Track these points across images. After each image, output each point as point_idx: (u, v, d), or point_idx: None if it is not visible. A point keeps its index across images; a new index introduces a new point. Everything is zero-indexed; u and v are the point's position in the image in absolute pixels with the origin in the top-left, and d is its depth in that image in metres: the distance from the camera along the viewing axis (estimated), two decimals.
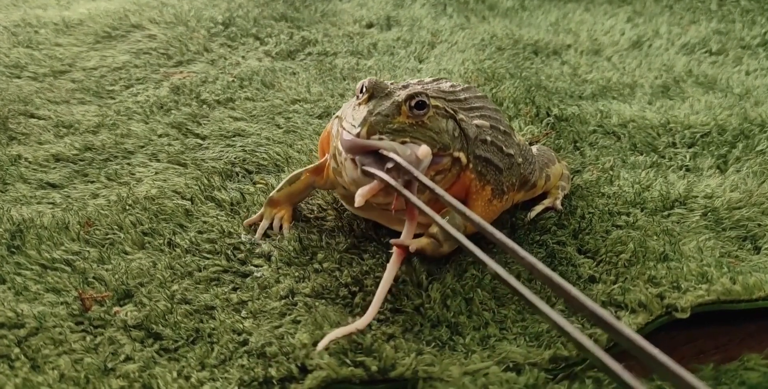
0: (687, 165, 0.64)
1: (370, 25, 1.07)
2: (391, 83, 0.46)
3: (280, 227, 0.53)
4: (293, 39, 0.98)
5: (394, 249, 0.42)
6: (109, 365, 0.40)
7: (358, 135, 0.41)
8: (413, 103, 0.42)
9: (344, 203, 0.54)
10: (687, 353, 0.42)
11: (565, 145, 0.67)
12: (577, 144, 0.68)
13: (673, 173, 0.62)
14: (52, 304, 0.45)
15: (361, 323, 0.41)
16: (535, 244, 0.51)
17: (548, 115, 0.73)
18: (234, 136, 0.69)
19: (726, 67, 0.90)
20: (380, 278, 0.46)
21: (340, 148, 0.43)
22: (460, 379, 0.38)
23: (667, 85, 0.84)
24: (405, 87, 0.46)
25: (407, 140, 0.42)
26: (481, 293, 0.46)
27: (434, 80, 0.51)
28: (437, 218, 0.36)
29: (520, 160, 0.51)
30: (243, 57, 0.92)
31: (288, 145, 0.66)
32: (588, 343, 0.26)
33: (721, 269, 0.47)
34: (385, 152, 0.41)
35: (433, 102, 0.44)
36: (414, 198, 0.39)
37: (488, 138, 0.48)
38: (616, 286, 0.46)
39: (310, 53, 0.94)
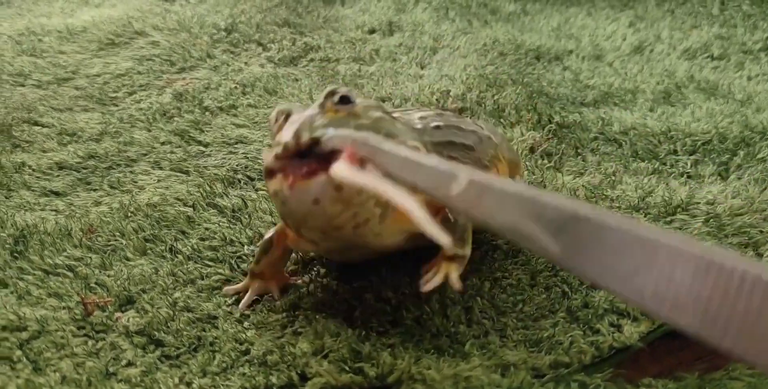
0: (688, 172, 0.64)
1: (372, 31, 1.08)
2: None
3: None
4: (296, 45, 0.99)
5: None
6: (111, 369, 0.40)
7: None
8: (336, 99, 0.37)
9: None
10: (670, 362, 0.42)
11: (566, 151, 0.67)
12: (579, 150, 0.68)
13: (675, 179, 0.62)
14: (54, 308, 0.45)
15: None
16: None
17: (550, 122, 0.73)
18: (236, 143, 0.69)
19: (728, 73, 0.90)
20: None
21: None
22: (443, 382, 0.38)
23: (668, 91, 0.84)
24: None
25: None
26: (481, 301, 0.46)
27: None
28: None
29: (487, 133, 0.49)
30: (246, 63, 0.92)
31: None
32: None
33: None
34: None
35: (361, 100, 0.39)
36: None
37: (440, 124, 0.45)
38: None
39: (312, 59, 0.94)
